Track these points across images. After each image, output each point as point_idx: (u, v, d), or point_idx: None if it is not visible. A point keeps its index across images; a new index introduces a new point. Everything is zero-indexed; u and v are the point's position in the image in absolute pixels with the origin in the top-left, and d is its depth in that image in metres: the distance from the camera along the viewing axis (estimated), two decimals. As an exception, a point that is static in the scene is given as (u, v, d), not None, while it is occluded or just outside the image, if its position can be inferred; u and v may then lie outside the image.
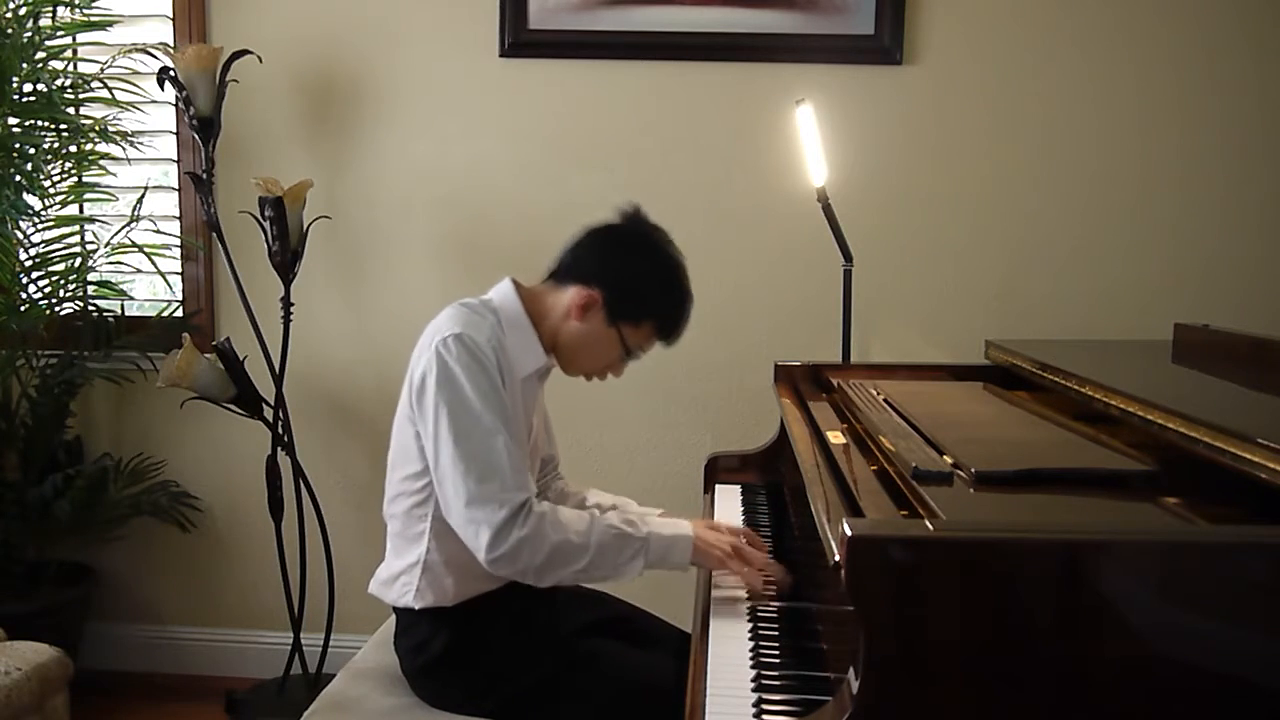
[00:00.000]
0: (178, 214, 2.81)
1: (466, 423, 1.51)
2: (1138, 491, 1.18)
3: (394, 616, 1.72)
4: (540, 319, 1.67)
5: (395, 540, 1.67)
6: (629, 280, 1.65)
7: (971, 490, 1.18)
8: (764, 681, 1.23)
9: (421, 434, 1.56)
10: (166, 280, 2.79)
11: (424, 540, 1.61)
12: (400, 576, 1.64)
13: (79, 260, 2.71)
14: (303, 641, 2.65)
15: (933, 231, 2.62)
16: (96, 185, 2.73)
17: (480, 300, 1.67)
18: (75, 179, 2.70)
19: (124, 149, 2.63)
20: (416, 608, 1.62)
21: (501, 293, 1.68)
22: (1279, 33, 2.50)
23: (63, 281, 2.69)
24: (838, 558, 1.01)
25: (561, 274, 1.69)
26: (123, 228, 2.70)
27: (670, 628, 1.83)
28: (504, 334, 1.62)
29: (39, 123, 2.61)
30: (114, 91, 2.64)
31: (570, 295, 1.64)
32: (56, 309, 2.69)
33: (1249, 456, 1.05)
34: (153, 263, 2.71)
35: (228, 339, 2.50)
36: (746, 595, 1.56)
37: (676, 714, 1.26)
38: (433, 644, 1.62)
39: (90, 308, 2.76)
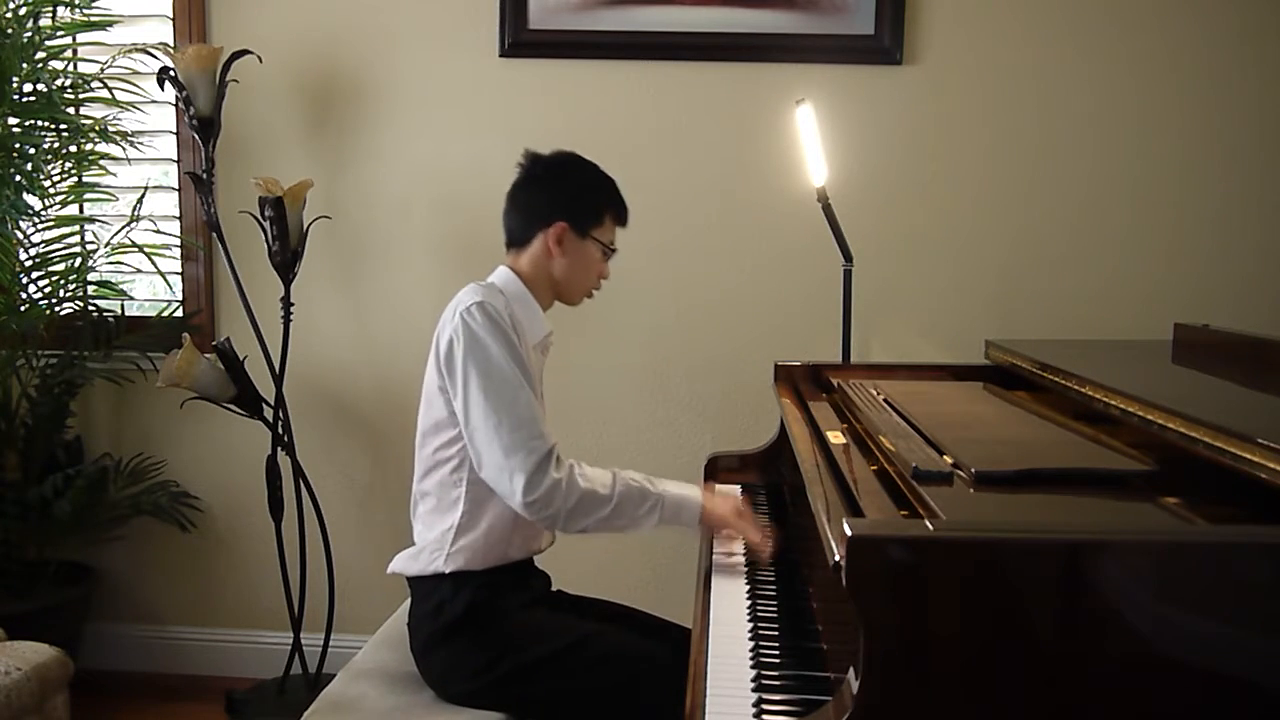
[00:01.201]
0: (178, 214, 2.81)
1: (494, 379, 1.65)
2: (1138, 491, 1.18)
3: (410, 597, 1.78)
4: (531, 283, 1.81)
5: (428, 516, 1.75)
6: (574, 195, 1.82)
7: (971, 490, 1.18)
8: (764, 681, 1.23)
9: (452, 398, 1.68)
10: (166, 280, 2.79)
11: (460, 505, 1.71)
12: (430, 546, 1.72)
13: (79, 260, 2.71)
14: (303, 641, 2.65)
15: (933, 231, 2.62)
16: (96, 185, 2.73)
17: (487, 283, 1.81)
18: (75, 179, 2.70)
19: (124, 149, 2.63)
20: (446, 571, 1.70)
21: (501, 276, 1.83)
22: (1279, 33, 2.50)
23: (63, 281, 2.69)
24: (838, 558, 1.01)
25: (518, 237, 1.83)
26: (123, 228, 2.70)
27: (670, 624, 1.84)
28: (513, 309, 1.76)
29: (39, 123, 2.62)
30: (114, 91, 2.64)
31: (540, 241, 1.80)
32: (56, 309, 2.69)
33: (1249, 456, 1.05)
34: (153, 263, 2.71)
35: (228, 339, 2.50)
36: (744, 562, 1.66)
37: (679, 694, 1.27)
38: (454, 604, 1.69)
39: (90, 308, 2.76)
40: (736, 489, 2.09)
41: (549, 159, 1.86)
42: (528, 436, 1.62)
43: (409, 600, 1.80)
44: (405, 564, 1.76)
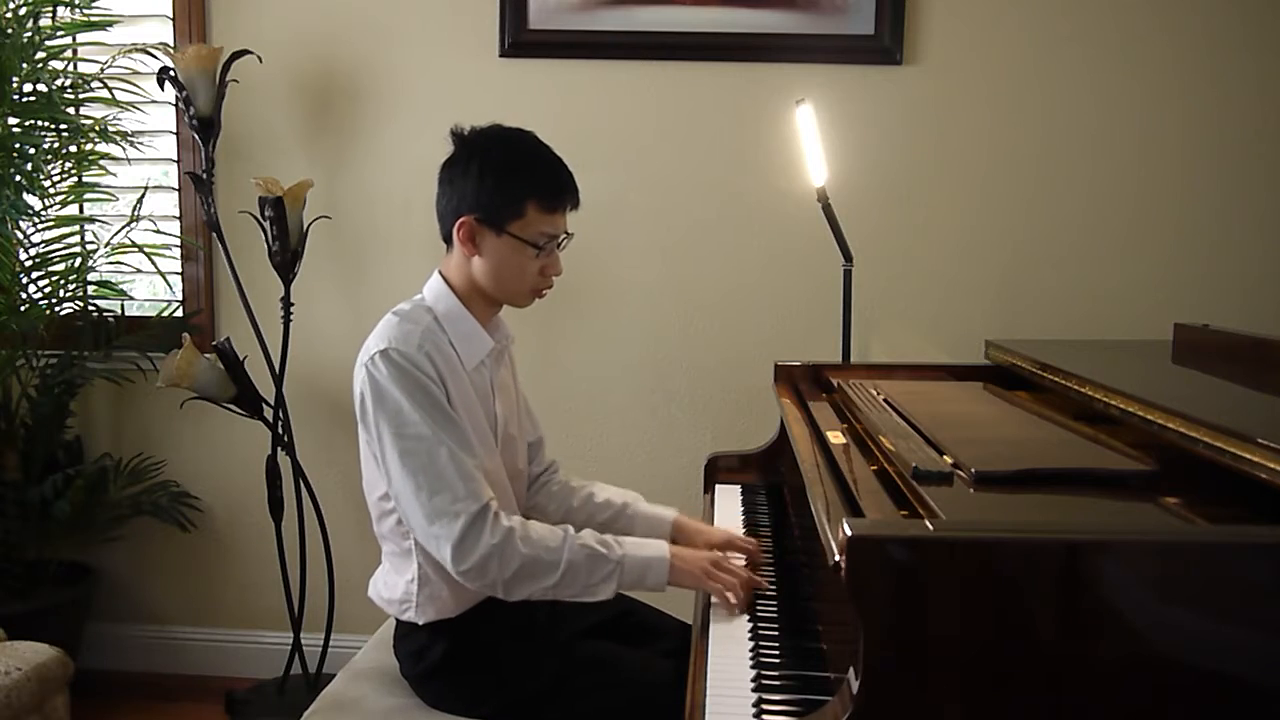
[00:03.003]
0: (178, 214, 2.81)
1: (408, 439, 1.50)
2: (1138, 491, 1.18)
3: (393, 620, 1.73)
4: (462, 291, 1.63)
5: (390, 558, 1.66)
6: (482, 185, 1.56)
7: (971, 490, 1.18)
8: (764, 681, 1.23)
9: (374, 454, 1.56)
10: (166, 280, 2.79)
11: (413, 555, 1.60)
12: (400, 593, 1.63)
13: (79, 260, 2.71)
14: (303, 641, 2.65)
15: (933, 231, 2.62)
16: (96, 185, 2.73)
17: (414, 303, 1.64)
18: (75, 179, 2.70)
19: (124, 149, 2.63)
20: (420, 623, 1.61)
21: (433, 290, 1.64)
22: (1279, 32, 2.50)
23: (63, 281, 2.69)
24: (838, 558, 1.01)
25: (444, 232, 1.63)
26: (123, 228, 2.70)
27: (671, 620, 1.83)
28: (444, 331, 1.60)
29: (39, 123, 2.61)
30: (114, 91, 2.64)
31: (456, 240, 1.59)
32: (56, 309, 2.69)
33: (1249, 456, 1.05)
34: (153, 263, 2.71)
35: (228, 339, 2.50)
36: (744, 563, 1.60)
37: (677, 715, 1.26)
38: (432, 651, 1.62)
39: (90, 308, 2.76)
40: (736, 489, 2.09)
41: (468, 137, 1.60)
42: (450, 500, 1.46)
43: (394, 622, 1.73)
44: (384, 604, 1.67)
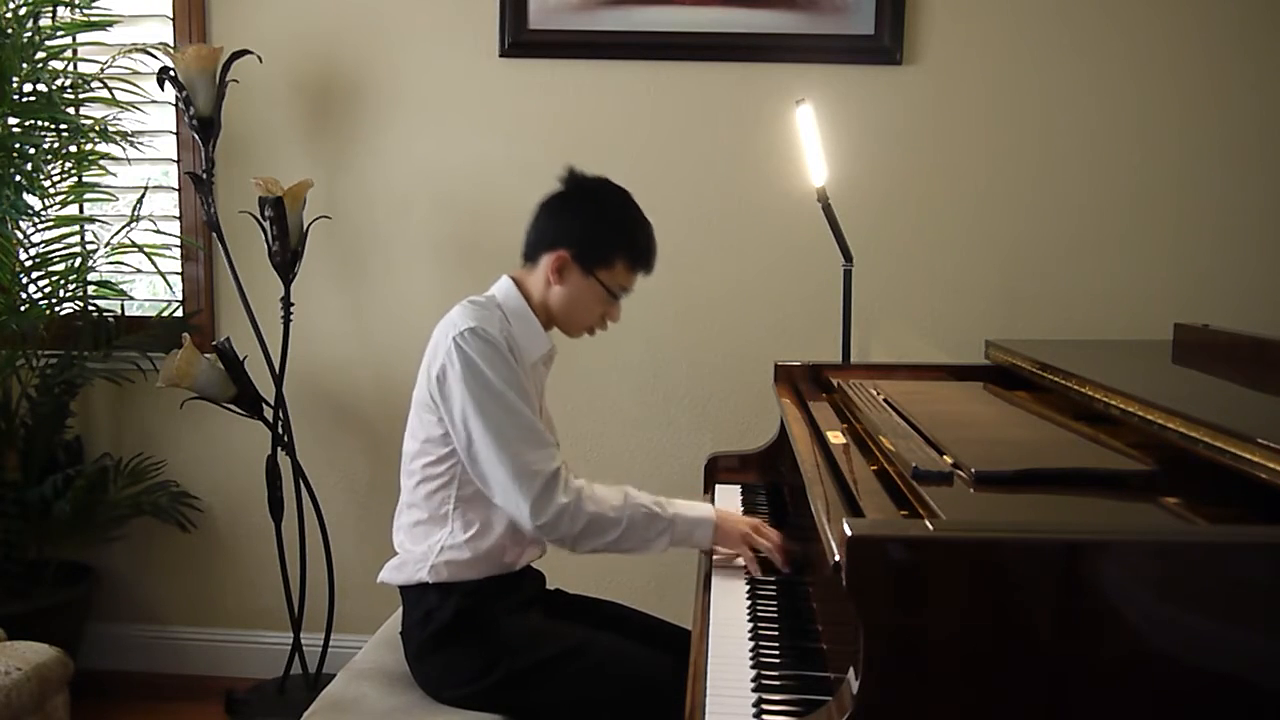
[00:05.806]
0: (178, 214, 2.81)
1: (492, 405, 1.62)
2: (1138, 491, 1.18)
3: (401, 604, 1.77)
4: (532, 301, 1.77)
5: (414, 529, 1.73)
6: (586, 230, 1.74)
7: (971, 490, 1.18)
8: (764, 681, 1.23)
9: (447, 422, 1.66)
10: (166, 280, 2.79)
11: (448, 522, 1.70)
12: (415, 557, 1.70)
13: (79, 260, 2.71)
14: (303, 641, 2.65)
15: (933, 231, 2.62)
16: (96, 185, 2.73)
17: (486, 297, 1.77)
18: (75, 179, 2.70)
19: (124, 149, 2.63)
20: (430, 582, 1.68)
21: (502, 289, 1.78)
22: (1278, 33, 2.50)
23: (63, 281, 2.69)
24: (838, 558, 1.01)
25: (531, 251, 1.78)
26: (123, 228, 2.70)
27: (670, 626, 1.84)
28: (510, 326, 1.73)
29: (39, 123, 2.62)
30: (114, 91, 2.64)
31: (544, 264, 1.75)
32: (56, 309, 2.69)
33: (1249, 456, 1.05)
34: (153, 263, 2.71)
35: (228, 339, 2.50)
36: (747, 574, 1.64)
37: (677, 705, 1.27)
38: (441, 612, 1.67)
39: (90, 308, 2.76)
40: (736, 489, 2.09)
41: (581, 181, 1.79)
42: (531, 461, 1.60)
43: (401, 608, 1.79)
44: (391, 574, 1.74)
